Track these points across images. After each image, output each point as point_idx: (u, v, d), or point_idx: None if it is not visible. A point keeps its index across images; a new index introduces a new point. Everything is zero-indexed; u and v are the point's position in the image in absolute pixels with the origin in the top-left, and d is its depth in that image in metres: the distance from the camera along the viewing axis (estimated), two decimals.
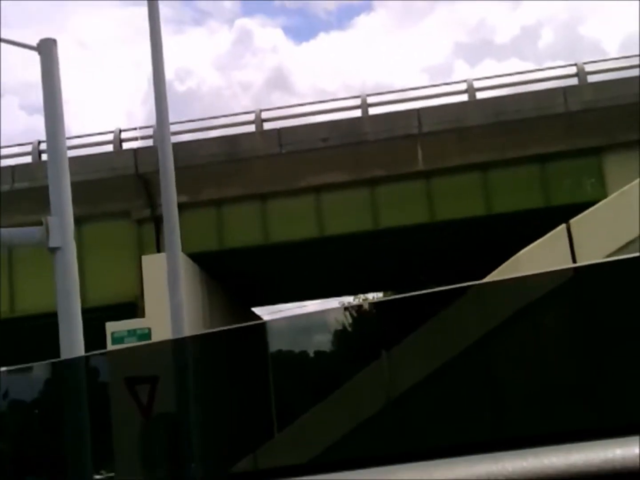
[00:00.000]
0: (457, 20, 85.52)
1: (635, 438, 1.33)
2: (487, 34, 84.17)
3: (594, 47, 74.45)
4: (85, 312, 9.14)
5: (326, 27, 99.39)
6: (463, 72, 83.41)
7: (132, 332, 19.40)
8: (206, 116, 24.85)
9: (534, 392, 1.67)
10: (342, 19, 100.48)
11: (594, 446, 1.33)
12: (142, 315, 20.20)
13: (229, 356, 2.18)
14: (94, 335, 12.39)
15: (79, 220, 9.86)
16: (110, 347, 18.95)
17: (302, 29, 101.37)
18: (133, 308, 20.89)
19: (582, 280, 1.64)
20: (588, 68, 22.02)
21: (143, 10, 11.24)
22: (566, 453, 1.34)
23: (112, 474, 2.25)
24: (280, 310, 36.17)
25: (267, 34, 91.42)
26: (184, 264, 10.53)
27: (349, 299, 41.16)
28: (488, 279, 12.59)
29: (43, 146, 21.57)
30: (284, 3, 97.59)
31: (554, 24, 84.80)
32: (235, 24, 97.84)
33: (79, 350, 8.63)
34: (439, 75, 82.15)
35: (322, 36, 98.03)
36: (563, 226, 12.69)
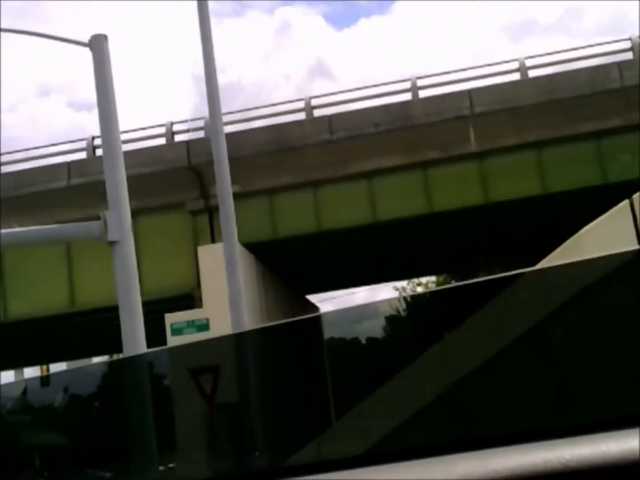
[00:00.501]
0: (499, 1, 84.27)
1: None
2: (530, 13, 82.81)
3: None
4: (144, 304, 9.27)
5: (367, 12, 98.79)
6: (508, 51, 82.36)
7: (190, 323, 19.63)
8: (249, 107, 24.95)
9: (596, 378, 1.64)
10: (382, 4, 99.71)
11: None
12: (200, 305, 20.40)
13: (286, 348, 2.19)
14: (154, 327, 12.59)
15: (134, 214, 10.00)
16: (169, 338, 19.21)
17: (343, 16, 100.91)
18: (190, 299, 21.12)
19: None
20: None
21: (184, 5, 11.31)
22: (625, 439, 1.32)
23: (172, 465, 2.28)
24: (333, 297, 36.35)
25: (308, 22, 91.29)
26: (239, 253, 10.61)
27: (402, 284, 41.09)
28: (549, 258, 12.42)
29: (97, 142, 21.92)
30: None
31: (598, 1, 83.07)
32: (276, 14, 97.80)
33: (141, 341, 8.76)
34: (483, 55, 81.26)
35: (363, 22, 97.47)
36: (626, 202, 12.39)
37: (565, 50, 22.56)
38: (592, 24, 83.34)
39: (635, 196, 13.32)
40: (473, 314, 1.82)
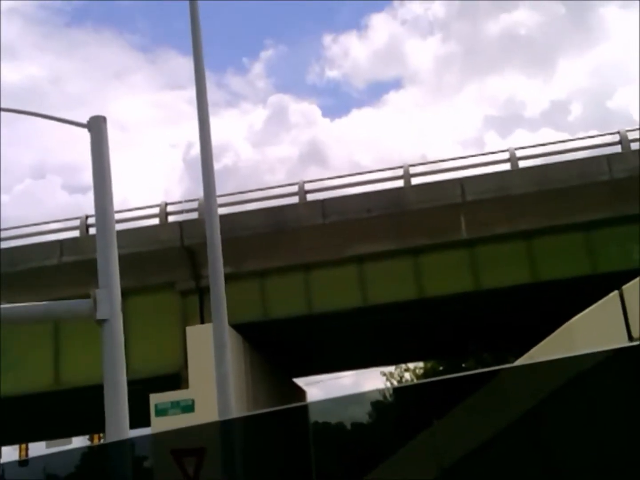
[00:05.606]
0: (486, 96, 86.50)
1: None
2: (516, 108, 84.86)
3: (624, 118, 74.26)
4: (129, 383, 9.17)
5: (358, 104, 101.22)
6: (495, 143, 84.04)
7: (175, 404, 19.35)
8: (242, 190, 25.15)
9: (588, 464, 1.64)
10: (372, 97, 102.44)
11: None
12: (186, 386, 20.16)
13: (272, 435, 2.18)
14: (138, 406, 12.40)
15: (124, 292, 9.97)
16: (153, 418, 18.89)
17: (335, 107, 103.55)
18: (177, 379, 20.88)
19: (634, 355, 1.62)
20: (630, 136, 21.92)
21: (176, 95, 11.58)
22: None
23: None
24: (320, 381, 35.99)
25: (301, 109, 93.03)
26: (228, 334, 10.55)
27: (389, 369, 40.71)
28: (540, 347, 12.40)
29: (90, 220, 22.01)
30: (315, 83, 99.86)
31: (582, 98, 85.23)
32: (269, 101, 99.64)
33: (125, 421, 8.64)
34: (471, 147, 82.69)
35: (354, 113, 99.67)
36: (615, 293, 12.44)
37: (554, 142, 22.99)
38: (576, 119, 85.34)
39: (626, 287, 13.38)
40: (461, 403, 1.83)
